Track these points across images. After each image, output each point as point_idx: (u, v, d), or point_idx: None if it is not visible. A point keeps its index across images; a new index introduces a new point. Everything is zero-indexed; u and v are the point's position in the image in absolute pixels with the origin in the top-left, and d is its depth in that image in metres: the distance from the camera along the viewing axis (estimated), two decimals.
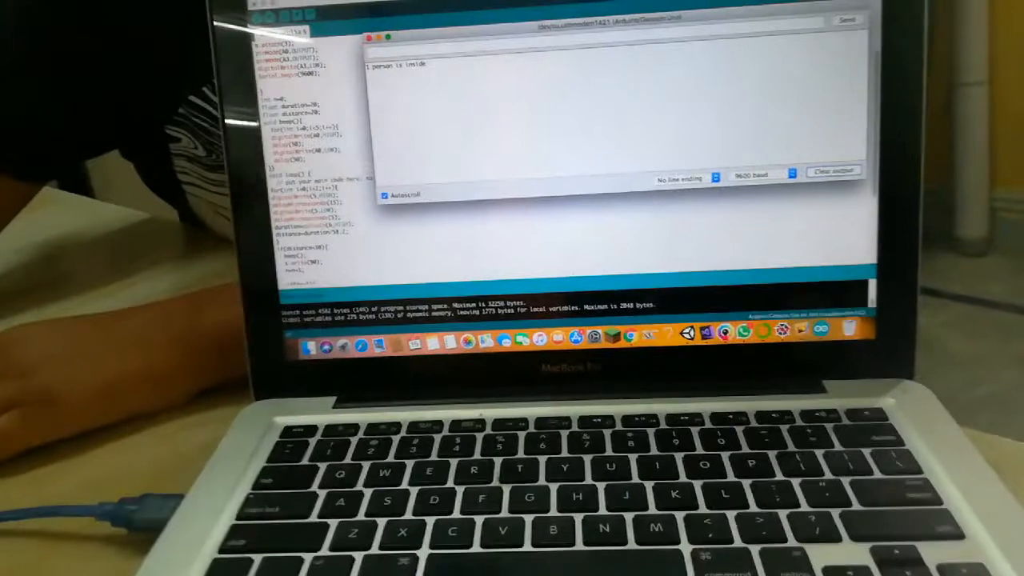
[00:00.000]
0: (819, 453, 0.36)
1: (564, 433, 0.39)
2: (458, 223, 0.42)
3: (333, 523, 0.34)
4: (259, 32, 0.42)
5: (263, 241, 0.43)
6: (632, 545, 0.32)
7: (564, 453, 0.38)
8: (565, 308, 0.43)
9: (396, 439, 0.39)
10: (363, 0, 0.42)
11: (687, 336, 0.42)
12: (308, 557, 0.32)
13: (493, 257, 0.43)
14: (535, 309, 0.43)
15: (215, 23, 0.42)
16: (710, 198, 0.41)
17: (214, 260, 0.68)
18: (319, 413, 0.42)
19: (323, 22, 0.42)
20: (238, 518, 0.35)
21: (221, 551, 0.33)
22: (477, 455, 0.38)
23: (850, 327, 0.42)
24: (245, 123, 0.42)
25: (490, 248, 0.43)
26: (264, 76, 0.42)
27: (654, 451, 0.37)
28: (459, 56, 0.42)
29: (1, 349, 0.44)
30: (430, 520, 0.34)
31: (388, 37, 0.42)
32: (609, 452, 0.37)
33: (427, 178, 0.42)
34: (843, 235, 0.41)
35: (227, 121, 0.42)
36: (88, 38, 0.59)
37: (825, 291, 0.41)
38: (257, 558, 0.32)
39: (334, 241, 0.43)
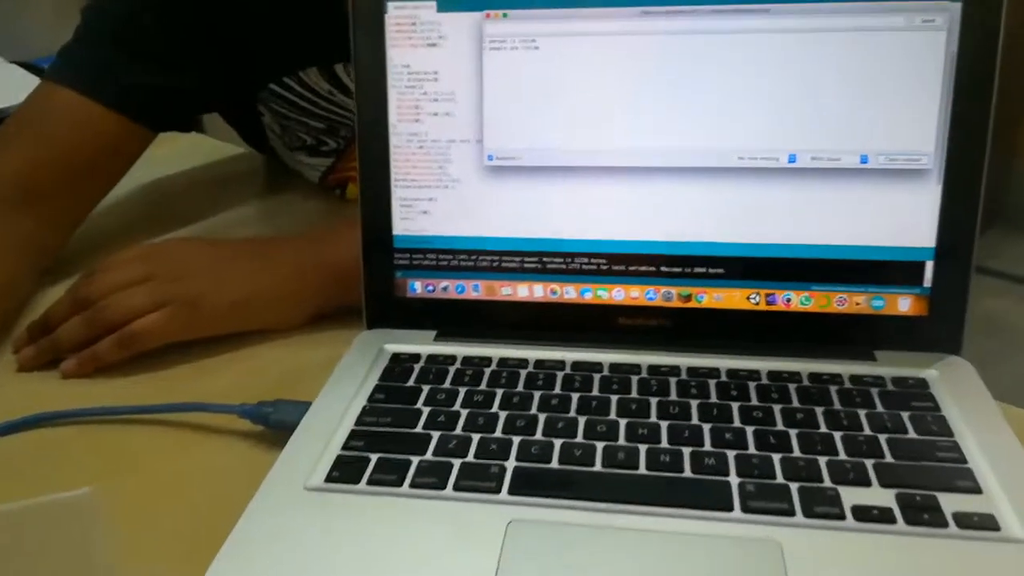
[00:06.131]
0: (862, 412, 0.41)
1: (634, 378, 0.44)
2: (553, 186, 0.48)
3: (435, 434, 0.40)
4: (392, 6, 0.47)
5: (382, 191, 0.49)
6: (688, 473, 0.38)
7: (633, 394, 0.43)
8: (643, 268, 0.48)
9: (488, 371, 0.45)
10: None
11: (753, 301, 0.47)
12: (415, 459, 0.39)
13: (581, 218, 0.48)
14: (615, 267, 0.48)
15: None
16: (785, 177, 0.45)
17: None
18: (422, 344, 0.48)
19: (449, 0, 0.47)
20: (356, 425, 0.42)
21: (344, 449, 0.40)
22: (557, 390, 0.44)
23: (905, 303, 0.46)
24: (374, 86, 0.48)
25: (579, 210, 0.48)
26: (394, 46, 0.48)
27: (713, 399, 0.42)
28: (567, 35, 0.46)
29: (158, 256, 0.52)
30: (516, 439, 0.40)
31: (505, 15, 0.47)
32: (673, 397, 0.43)
33: (529, 144, 0.48)
34: (906, 219, 0.45)
35: (359, 83, 0.48)
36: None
37: (884, 269, 0.45)
38: (373, 457, 0.39)
39: (443, 195, 0.49)
